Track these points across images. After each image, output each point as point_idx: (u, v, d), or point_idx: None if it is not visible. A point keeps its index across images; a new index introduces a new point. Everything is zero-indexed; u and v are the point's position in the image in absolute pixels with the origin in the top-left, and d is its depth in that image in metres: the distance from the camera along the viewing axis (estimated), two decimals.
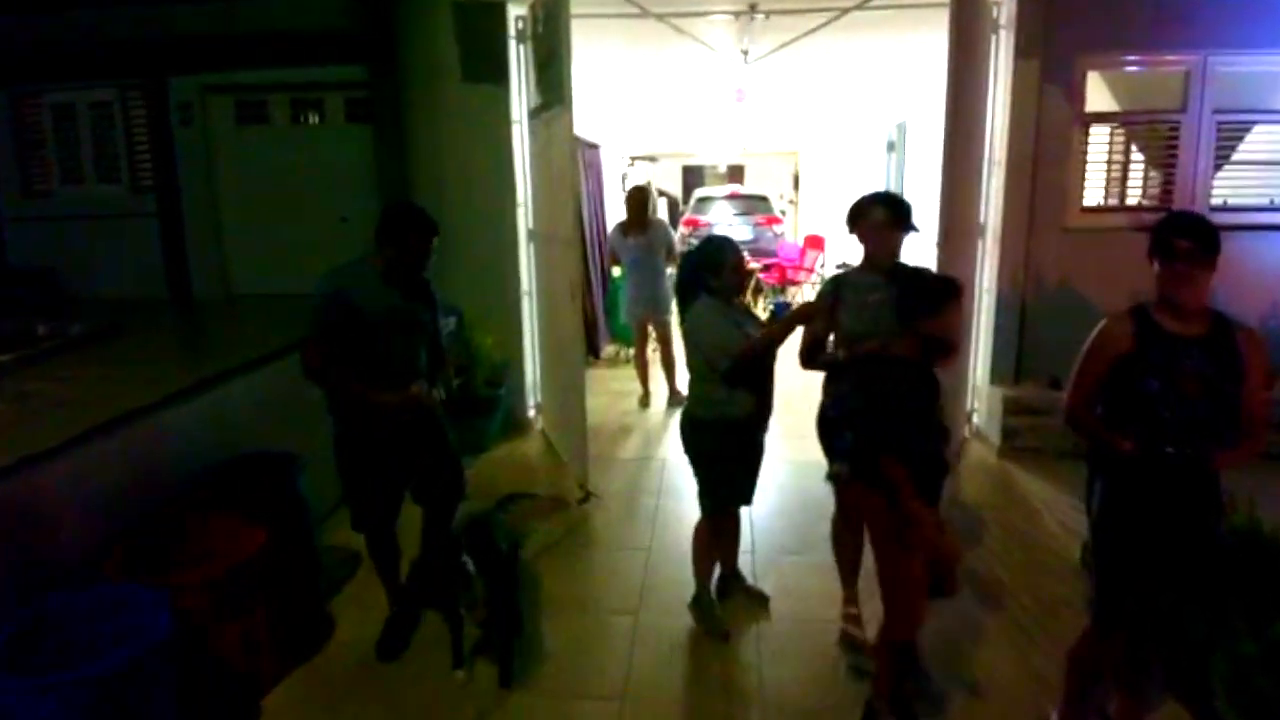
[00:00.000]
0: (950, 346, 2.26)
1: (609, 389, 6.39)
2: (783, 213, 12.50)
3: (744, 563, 3.42)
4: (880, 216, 2.72)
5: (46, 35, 5.77)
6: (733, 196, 12.12)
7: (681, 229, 11.51)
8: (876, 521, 2.33)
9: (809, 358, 2.82)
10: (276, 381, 3.66)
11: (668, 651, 2.96)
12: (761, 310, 7.38)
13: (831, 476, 2.89)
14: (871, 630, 2.77)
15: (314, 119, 6.13)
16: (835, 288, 2.82)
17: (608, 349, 7.56)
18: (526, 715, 2.63)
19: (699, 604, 3.08)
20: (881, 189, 2.86)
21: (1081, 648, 2.44)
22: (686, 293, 2.86)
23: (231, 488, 2.92)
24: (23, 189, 6.37)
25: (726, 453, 2.88)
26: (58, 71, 5.98)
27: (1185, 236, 2.16)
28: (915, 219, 2.77)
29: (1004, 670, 2.78)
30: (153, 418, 2.92)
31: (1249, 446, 2.20)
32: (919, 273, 2.45)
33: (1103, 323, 2.31)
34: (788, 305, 2.86)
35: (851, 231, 2.84)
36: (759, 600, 3.21)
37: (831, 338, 2.81)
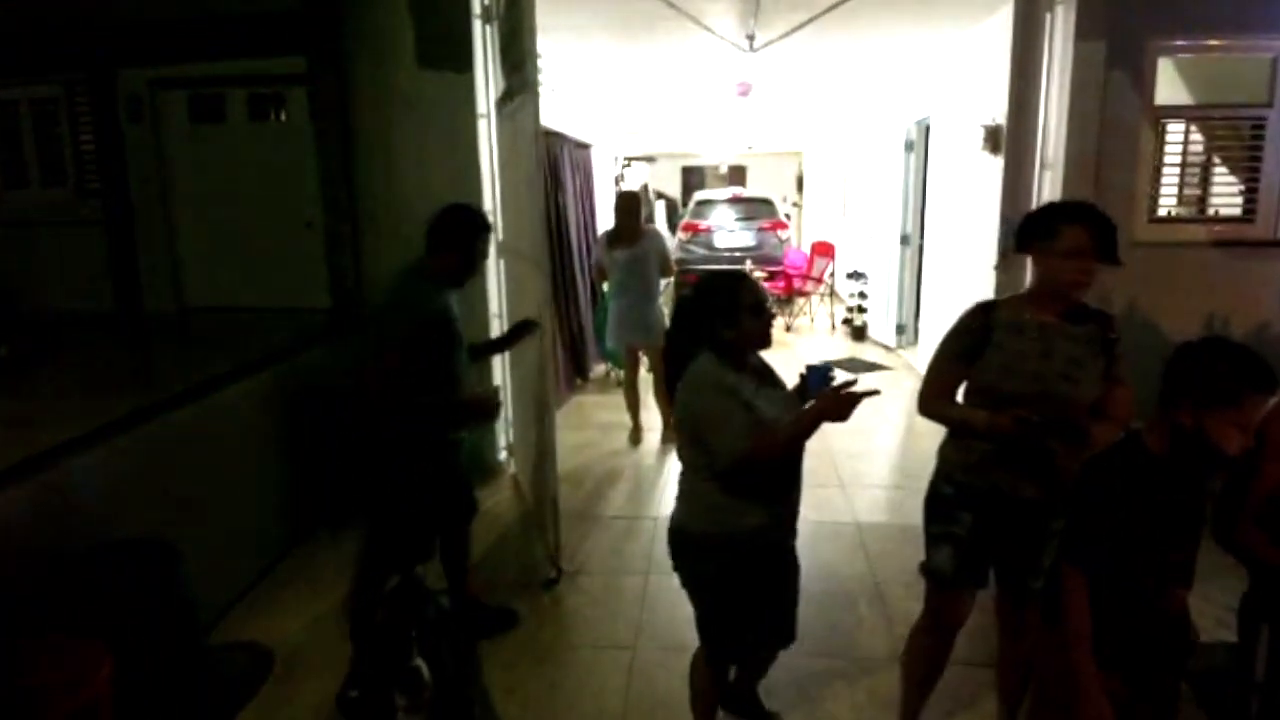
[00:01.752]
0: (1221, 457, 1.51)
1: (596, 421, 5.67)
2: (787, 216, 11.77)
3: None
4: (1080, 240, 1.92)
5: None
6: (734, 200, 11.35)
7: (680, 234, 10.77)
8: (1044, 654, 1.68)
9: (935, 408, 2.09)
10: (174, 435, 2.93)
11: None
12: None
13: (931, 571, 2.16)
14: None
15: (278, 116, 5.66)
16: (987, 320, 2.03)
17: (597, 369, 6.86)
18: None
19: None
20: (1092, 209, 1.97)
21: None
22: (684, 346, 2.03)
23: (78, 594, 2.19)
24: None
25: (735, 582, 2.03)
26: None
27: None
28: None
29: None
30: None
31: None
32: (1229, 342, 1.60)
33: (1271, 408, 1.58)
34: (828, 370, 1.98)
35: (1026, 251, 2.04)
36: None
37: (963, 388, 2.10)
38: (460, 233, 2.65)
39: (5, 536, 2.18)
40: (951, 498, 2.08)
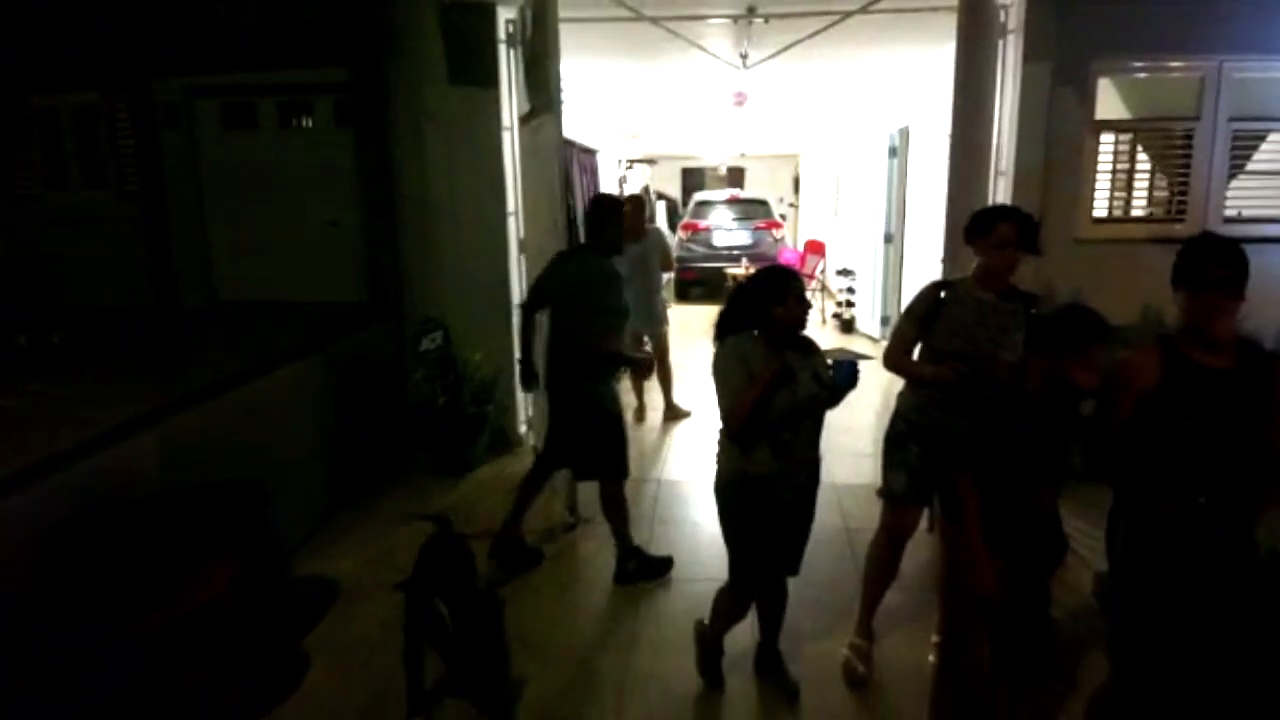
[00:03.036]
0: (1079, 391, 2.06)
1: None
2: (783, 216, 12.31)
3: None
4: (1007, 234, 2.53)
5: (28, 37, 5.66)
6: (732, 200, 11.93)
7: (680, 233, 11.33)
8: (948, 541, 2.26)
9: (895, 361, 2.70)
10: (246, 404, 3.49)
11: (662, 696, 2.78)
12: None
13: (885, 493, 2.75)
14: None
15: (303, 122, 6.01)
16: (939, 296, 2.64)
17: None
18: None
19: (702, 642, 2.83)
20: (1018, 211, 2.61)
21: (1101, 699, 2.27)
22: (733, 320, 2.53)
23: (197, 519, 2.74)
24: (7, 194, 6.29)
25: (736, 513, 2.53)
26: (42, 74, 5.85)
27: (1220, 264, 1.98)
28: (972, 233, 2.63)
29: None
30: (113, 446, 2.75)
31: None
32: (1080, 306, 2.19)
33: (1125, 355, 2.13)
34: (854, 364, 2.48)
35: (970, 244, 2.64)
36: (786, 693, 2.76)
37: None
38: (615, 214, 3.51)
39: (140, 475, 2.74)
40: (904, 433, 2.71)
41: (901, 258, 7.65)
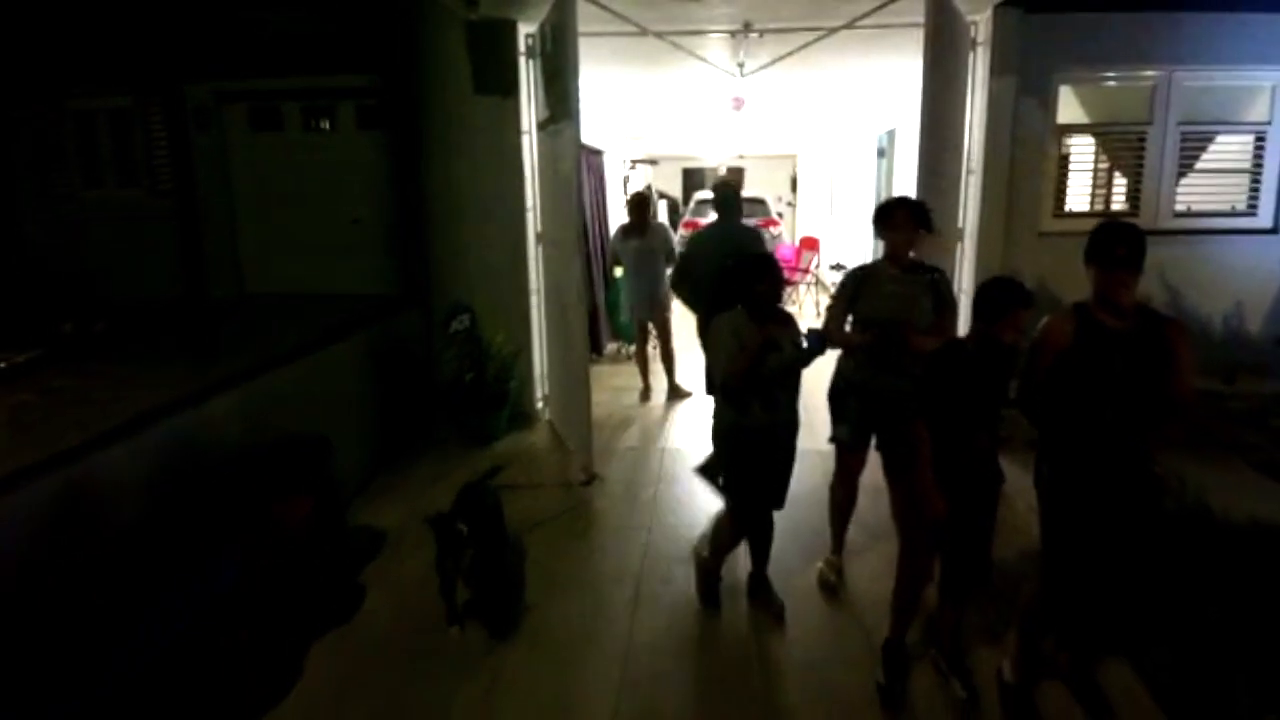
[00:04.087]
0: (1007, 348, 2.55)
1: (611, 385, 6.71)
2: (780, 215, 12.79)
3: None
4: (902, 218, 3.09)
5: (67, 44, 5.98)
6: None
7: (681, 231, 11.82)
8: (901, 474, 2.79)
9: (830, 334, 3.18)
10: (303, 375, 4.00)
11: (667, 615, 3.28)
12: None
13: (834, 440, 3.29)
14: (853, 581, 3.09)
15: (326, 125, 6.28)
16: (857, 279, 3.20)
17: (610, 347, 7.89)
18: (533, 674, 2.93)
19: (702, 571, 3.34)
20: (896, 194, 3.20)
21: (1030, 608, 2.76)
22: (723, 297, 3.04)
23: (276, 465, 3.24)
24: (45, 192, 6.57)
25: (731, 455, 3.07)
26: (78, 79, 6.20)
27: (1124, 245, 2.47)
28: (878, 221, 3.18)
29: (970, 634, 3.08)
30: (201, 406, 3.25)
31: (1177, 425, 2.51)
32: (1005, 278, 2.65)
33: (1046, 319, 2.63)
34: (823, 333, 3.02)
35: (877, 230, 3.19)
36: (773, 611, 3.24)
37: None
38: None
39: (224, 427, 3.25)
40: (844, 390, 3.28)
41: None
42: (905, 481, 2.76)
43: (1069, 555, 2.58)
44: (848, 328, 3.25)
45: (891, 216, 3.11)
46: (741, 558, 3.46)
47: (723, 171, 20.80)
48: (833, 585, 3.41)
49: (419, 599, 3.33)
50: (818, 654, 3.04)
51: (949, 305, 3.15)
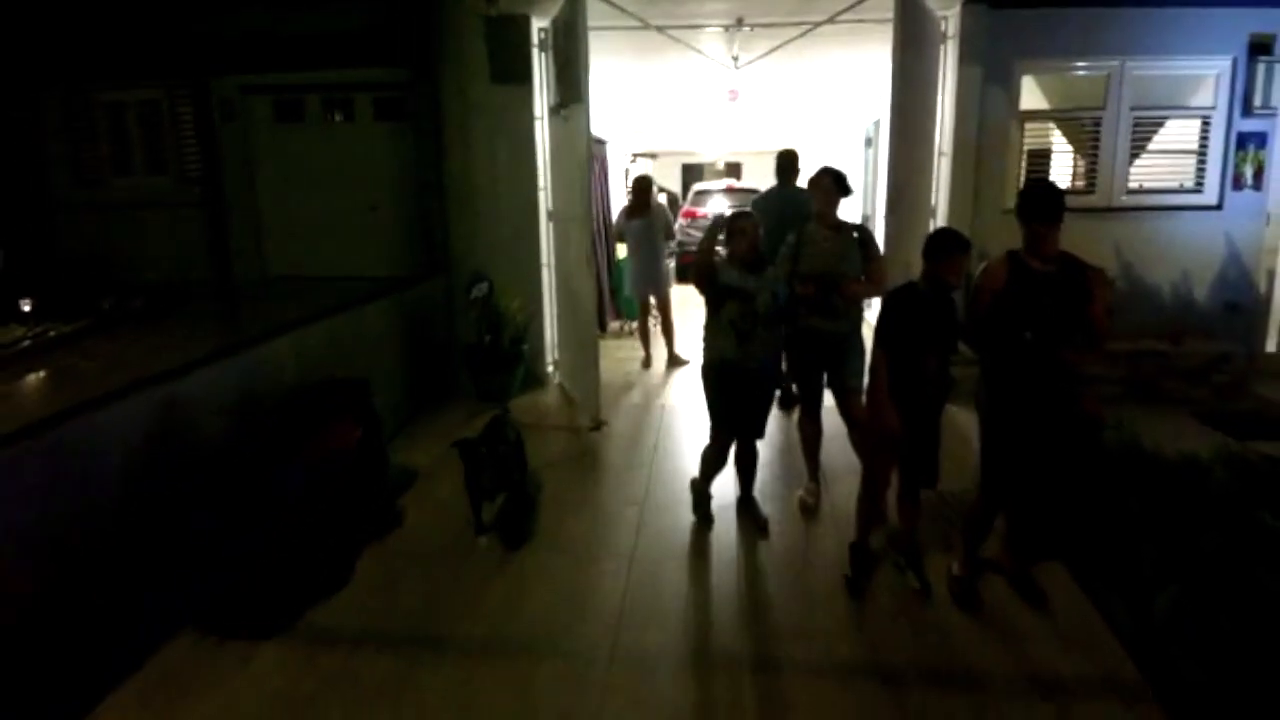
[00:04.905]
0: (950, 286, 3.08)
1: (614, 356, 7.21)
2: None
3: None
4: (827, 183, 3.64)
5: (98, 38, 6.37)
6: (728, 190, 13.06)
7: (680, 220, 12.36)
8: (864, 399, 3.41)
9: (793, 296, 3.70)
10: (346, 326, 4.53)
11: (668, 530, 3.79)
12: None
13: (796, 380, 3.79)
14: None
15: (345, 117, 6.58)
16: (800, 237, 3.75)
17: (613, 324, 8.39)
18: (553, 572, 3.44)
19: (695, 491, 3.86)
20: (882, 179, 3.75)
21: (973, 511, 3.27)
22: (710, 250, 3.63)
23: (328, 399, 3.75)
24: (75, 180, 6.90)
25: (710, 387, 3.61)
26: (109, 72, 6.54)
27: (1048, 202, 2.98)
28: (810, 185, 3.77)
29: (926, 546, 3.57)
30: (263, 345, 3.77)
31: (1090, 348, 3.01)
32: (949, 229, 3.25)
33: (985, 264, 3.13)
34: (788, 284, 3.62)
35: (811, 194, 3.75)
36: (759, 525, 3.76)
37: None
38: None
39: (282, 366, 3.76)
40: (793, 337, 3.75)
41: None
42: (867, 404, 3.28)
43: (1002, 458, 3.09)
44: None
45: (819, 182, 3.72)
46: (734, 486, 3.97)
47: (720, 167, 21.35)
48: (810, 508, 3.93)
49: (451, 519, 3.85)
50: (795, 558, 3.56)
51: (875, 255, 3.73)
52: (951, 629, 3.03)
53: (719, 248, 3.63)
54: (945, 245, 3.06)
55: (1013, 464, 3.10)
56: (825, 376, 3.83)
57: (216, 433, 3.32)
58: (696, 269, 3.52)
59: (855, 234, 3.72)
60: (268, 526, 2.98)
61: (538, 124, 5.69)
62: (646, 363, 6.80)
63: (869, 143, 8.76)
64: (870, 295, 3.84)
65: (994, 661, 2.84)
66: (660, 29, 5.80)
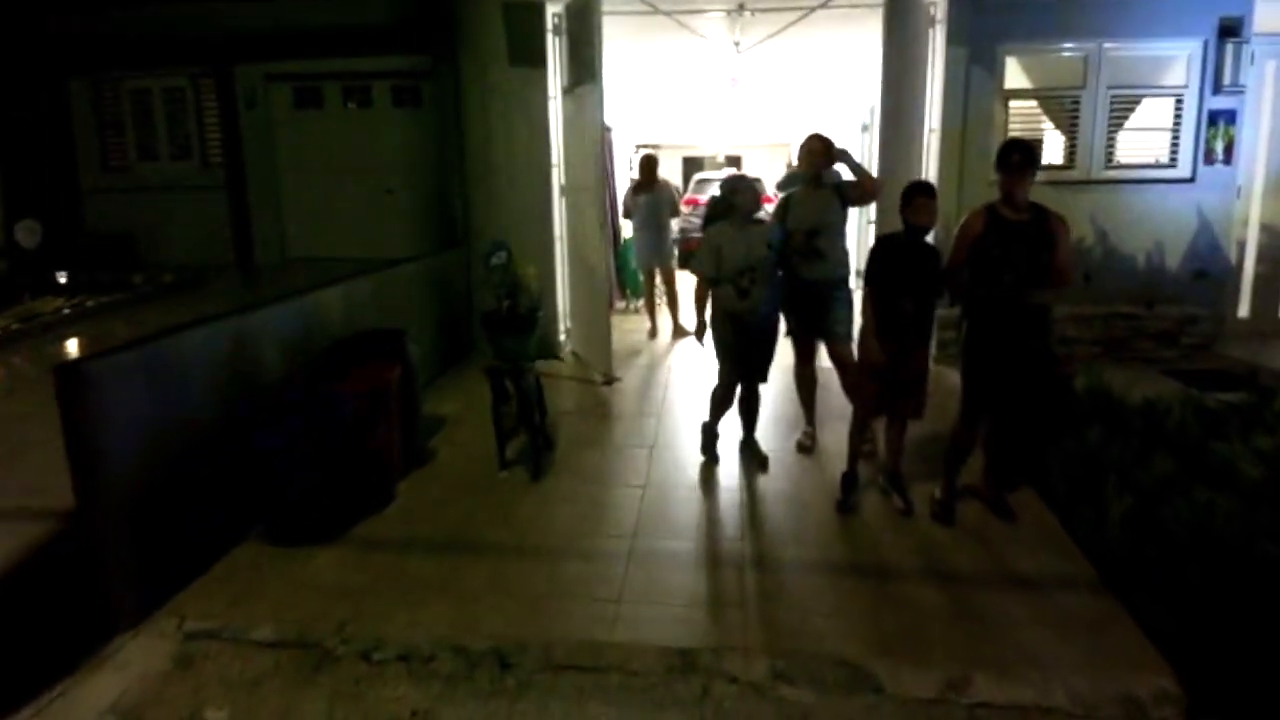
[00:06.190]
0: (921, 228, 3.50)
1: (621, 329, 7.54)
2: (774, 195, 13.79)
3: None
4: (812, 144, 4.09)
5: (125, 28, 6.66)
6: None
7: (683, 207, 12.72)
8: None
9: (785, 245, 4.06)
10: (383, 284, 4.94)
11: (678, 466, 4.17)
12: None
13: (789, 330, 4.15)
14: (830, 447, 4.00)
15: (362, 104, 6.85)
16: (788, 199, 4.16)
17: (619, 303, 8.75)
18: (574, 492, 3.84)
19: (705, 431, 4.22)
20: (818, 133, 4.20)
21: (954, 438, 3.64)
22: (714, 212, 4.03)
23: (378, 343, 4.14)
24: (103, 164, 7.18)
25: (719, 327, 3.98)
26: (136, 61, 6.82)
27: (1017, 153, 3.35)
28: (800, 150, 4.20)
29: (917, 471, 3.93)
30: (313, 294, 4.16)
31: (1056, 288, 3.38)
32: (917, 179, 3.79)
33: (966, 216, 3.51)
34: (784, 232, 4.04)
35: (799, 153, 4.18)
36: (759, 462, 4.15)
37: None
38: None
39: (331, 312, 4.16)
40: (789, 290, 4.09)
41: (869, 219, 9.00)
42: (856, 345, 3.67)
43: (979, 390, 3.46)
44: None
45: (805, 145, 4.16)
46: (739, 430, 4.34)
47: (721, 160, 21.74)
48: (808, 448, 4.31)
49: (478, 457, 4.24)
50: (791, 486, 3.94)
51: (852, 182, 4.20)
52: (931, 538, 3.41)
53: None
54: (909, 191, 3.50)
55: (990, 396, 3.46)
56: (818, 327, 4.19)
57: (278, 365, 3.71)
58: (698, 297, 4.04)
59: (833, 186, 4.16)
60: (323, 447, 3.36)
61: (551, 103, 6.06)
62: (653, 333, 7.18)
63: (865, 128, 9.12)
64: (873, 188, 4.18)
65: (967, 562, 3.22)
66: (669, 14, 6.17)
